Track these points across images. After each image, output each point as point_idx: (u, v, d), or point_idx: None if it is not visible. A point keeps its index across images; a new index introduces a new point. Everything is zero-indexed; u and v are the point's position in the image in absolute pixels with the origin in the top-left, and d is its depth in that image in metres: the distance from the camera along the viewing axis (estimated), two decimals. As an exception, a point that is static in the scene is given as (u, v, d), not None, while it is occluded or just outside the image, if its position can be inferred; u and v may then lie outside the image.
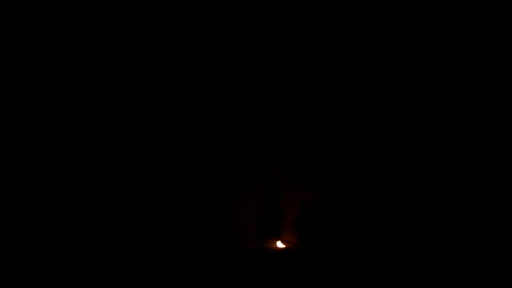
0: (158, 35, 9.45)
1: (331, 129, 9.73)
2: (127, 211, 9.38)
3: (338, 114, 9.75)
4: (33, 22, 9.25)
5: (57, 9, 9.29)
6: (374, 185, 9.60)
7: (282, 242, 9.75)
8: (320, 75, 9.50)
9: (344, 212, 9.60)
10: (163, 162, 9.72)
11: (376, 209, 9.49)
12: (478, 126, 9.44)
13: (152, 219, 9.40)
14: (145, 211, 9.48)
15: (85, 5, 9.30)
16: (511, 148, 9.27)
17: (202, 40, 9.47)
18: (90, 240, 9.12)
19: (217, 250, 9.19)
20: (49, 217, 9.22)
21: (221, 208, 9.70)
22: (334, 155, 9.75)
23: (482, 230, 9.18)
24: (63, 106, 9.53)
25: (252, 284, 8.70)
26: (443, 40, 9.41)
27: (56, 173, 9.47)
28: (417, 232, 9.28)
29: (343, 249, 9.21)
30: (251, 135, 9.58)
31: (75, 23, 9.38)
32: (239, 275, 8.89)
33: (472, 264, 8.75)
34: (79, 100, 9.51)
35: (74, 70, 9.48)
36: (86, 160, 9.45)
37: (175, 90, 9.60)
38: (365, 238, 9.42)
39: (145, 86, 9.47)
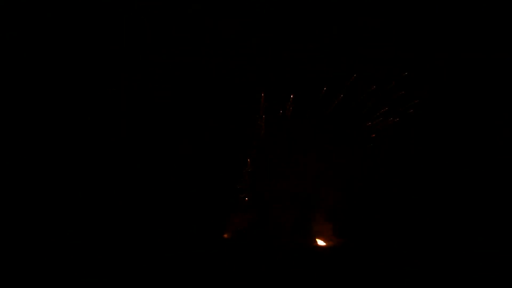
0: (158, 35, 9.45)
1: (331, 128, 9.70)
2: (127, 211, 9.36)
3: (337, 113, 9.74)
4: (33, 22, 9.25)
5: (57, 9, 9.29)
6: (375, 184, 9.57)
7: (323, 240, 9.50)
8: (320, 75, 9.50)
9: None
10: (163, 161, 9.70)
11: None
12: (478, 126, 9.43)
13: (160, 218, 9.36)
14: (146, 210, 9.46)
15: (86, 5, 9.29)
16: (511, 148, 9.26)
17: (202, 40, 9.46)
18: (90, 240, 9.10)
19: (254, 248, 8.98)
20: (49, 217, 9.21)
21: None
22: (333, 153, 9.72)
23: (482, 230, 9.17)
24: (63, 106, 9.52)
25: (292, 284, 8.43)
26: (443, 40, 9.41)
27: (56, 172, 9.46)
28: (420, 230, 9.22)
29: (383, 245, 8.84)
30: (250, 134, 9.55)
31: (75, 23, 9.38)
32: (279, 274, 8.57)
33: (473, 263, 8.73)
34: (79, 100, 9.50)
35: (74, 70, 9.47)
36: (86, 159, 9.44)
37: (175, 90, 9.59)
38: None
39: (145, 86, 9.46)
